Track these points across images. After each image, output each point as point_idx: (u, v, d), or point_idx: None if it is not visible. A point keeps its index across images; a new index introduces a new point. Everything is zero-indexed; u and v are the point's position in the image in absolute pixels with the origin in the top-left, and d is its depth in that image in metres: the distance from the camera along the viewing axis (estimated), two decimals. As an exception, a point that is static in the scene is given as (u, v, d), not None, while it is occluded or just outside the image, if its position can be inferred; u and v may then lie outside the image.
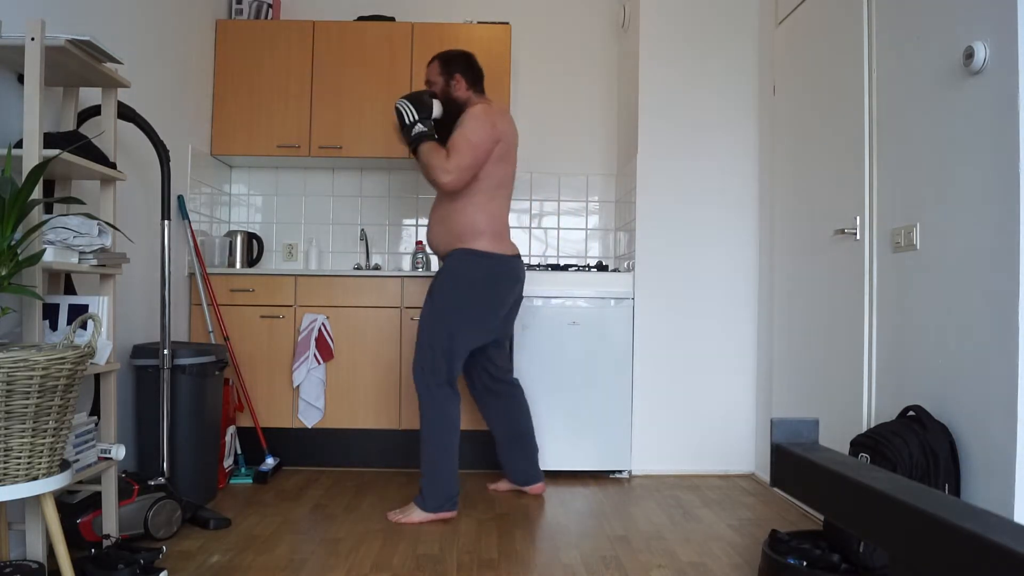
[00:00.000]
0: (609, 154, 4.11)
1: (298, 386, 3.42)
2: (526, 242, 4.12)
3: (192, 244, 3.36)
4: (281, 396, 3.46)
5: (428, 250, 3.96)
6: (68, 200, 1.79)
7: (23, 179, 1.66)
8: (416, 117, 2.80)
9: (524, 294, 3.37)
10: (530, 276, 3.40)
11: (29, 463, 1.58)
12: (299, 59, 3.75)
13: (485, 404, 3.08)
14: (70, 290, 2.31)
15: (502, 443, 3.08)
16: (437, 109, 2.84)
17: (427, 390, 2.73)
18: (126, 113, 2.48)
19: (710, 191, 3.52)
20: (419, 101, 2.82)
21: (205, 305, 3.38)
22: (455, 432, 2.76)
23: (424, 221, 4.13)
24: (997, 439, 1.84)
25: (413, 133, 2.79)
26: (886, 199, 2.39)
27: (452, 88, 2.88)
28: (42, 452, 1.60)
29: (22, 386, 1.53)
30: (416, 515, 2.69)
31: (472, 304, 2.77)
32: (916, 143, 2.22)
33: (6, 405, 1.51)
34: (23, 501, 1.89)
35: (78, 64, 2.01)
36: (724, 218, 3.52)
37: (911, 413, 2.07)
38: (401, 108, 2.82)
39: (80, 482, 2.13)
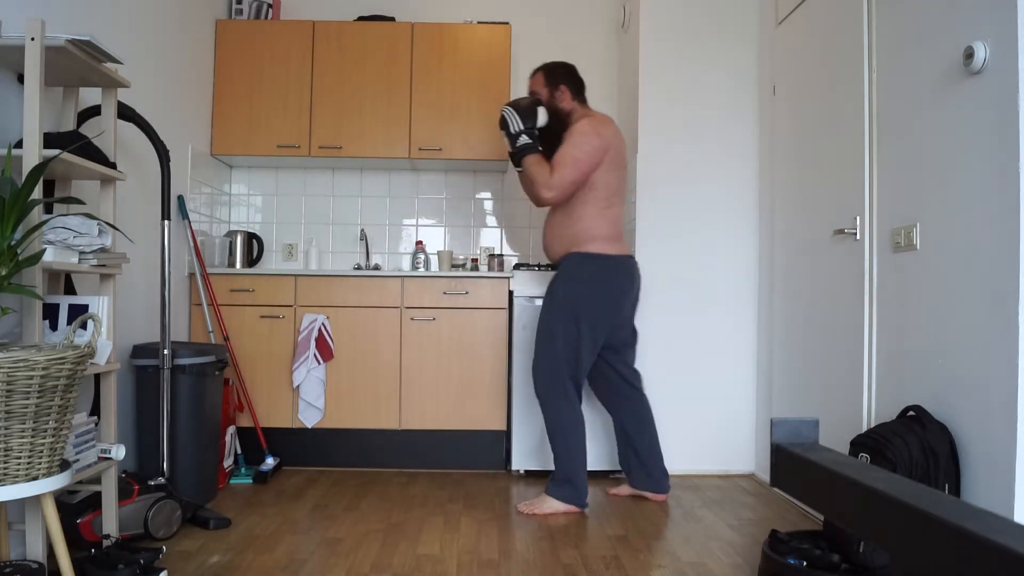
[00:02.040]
0: (609, 154, 4.10)
1: (298, 386, 3.42)
2: (526, 242, 4.12)
3: (192, 244, 3.36)
4: (281, 396, 3.46)
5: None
6: (68, 200, 1.79)
7: (23, 179, 1.66)
8: (521, 127, 2.87)
9: (524, 294, 3.38)
10: (530, 276, 3.40)
11: (29, 463, 1.58)
12: (299, 59, 3.75)
13: (615, 407, 3.09)
14: (70, 290, 2.31)
15: (626, 447, 3.06)
16: (543, 118, 2.91)
17: (542, 392, 2.85)
18: (126, 113, 2.48)
19: (710, 191, 3.51)
20: (525, 110, 2.89)
21: (205, 305, 3.38)
22: (581, 431, 2.86)
23: (424, 221, 4.13)
24: (997, 439, 1.84)
25: (518, 144, 2.87)
26: (886, 199, 2.39)
27: (557, 99, 2.97)
28: (42, 452, 1.60)
29: (22, 386, 1.53)
30: (548, 505, 2.81)
31: (590, 304, 2.83)
32: (916, 143, 2.22)
33: (6, 405, 1.51)
34: (23, 501, 1.89)
35: (78, 64, 2.01)
36: (724, 218, 3.52)
37: (911, 413, 2.07)
38: (506, 115, 2.90)
39: (80, 482, 2.13)
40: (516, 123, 2.87)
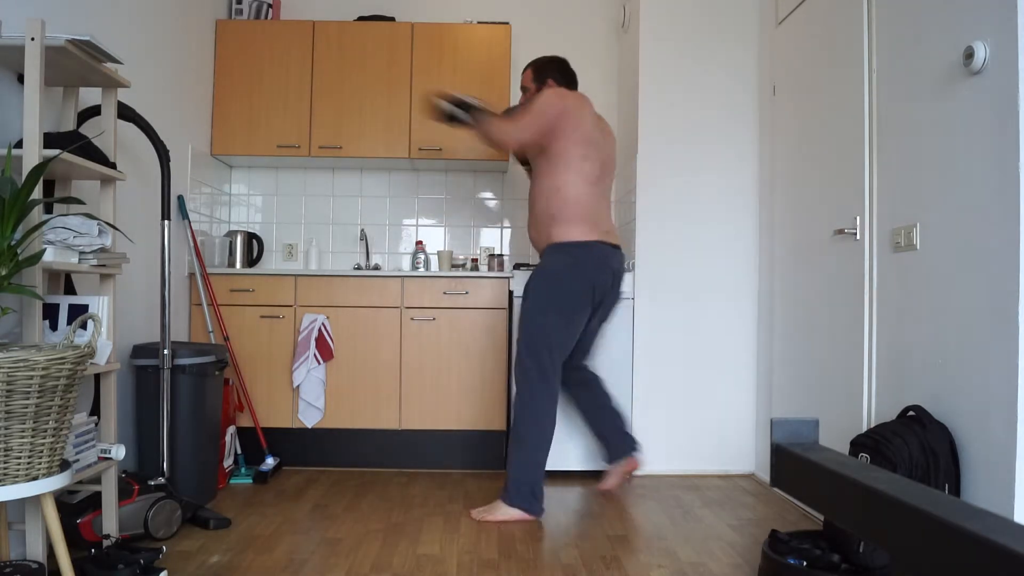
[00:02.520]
0: (609, 154, 4.11)
1: (298, 386, 3.42)
2: (527, 242, 4.12)
3: (192, 244, 3.36)
4: (281, 396, 3.46)
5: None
6: (68, 200, 1.79)
7: (23, 179, 1.66)
8: (464, 101, 2.81)
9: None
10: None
11: (29, 463, 1.58)
12: (299, 59, 3.75)
13: (581, 398, 3.10)
14: (70, 290, 2.31)
15: (601, 429, 3.05)
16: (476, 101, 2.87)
17: (525, 382, 2.77)
18: (126, 113, 2.48)
19: (710, 191, 3.51)
20: (454, 97, 2.84)
21: (205, 305, 3.38)
22: (548, 434, 2.78)
23: (424, 221, 4.13)
24: (997, 439, 1.84)
25: (471, 109, 2.78)
26: (886, 199, 2.39)
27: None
28: (42, 452, 1.60)
29: (22, 386, 1.53)
30: (500, 512, 2.71)
31: (567, 293, 2.77)
32: (916, 143, 2.22)
33: (6, 405, 1.51)
34: (23, 501, 1.89)
35: (78, 64, 2.01)
36: (724, 218, 3.52)
37: (911, 413, 2.07)
38: (445, 106, 2.83)
39: (80, 482, 2.13)
40: (458, 101, 2.80)
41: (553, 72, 3.00)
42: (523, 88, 3.03)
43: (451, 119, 2.86)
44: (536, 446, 2.75)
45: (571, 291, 2.78)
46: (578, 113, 2.84)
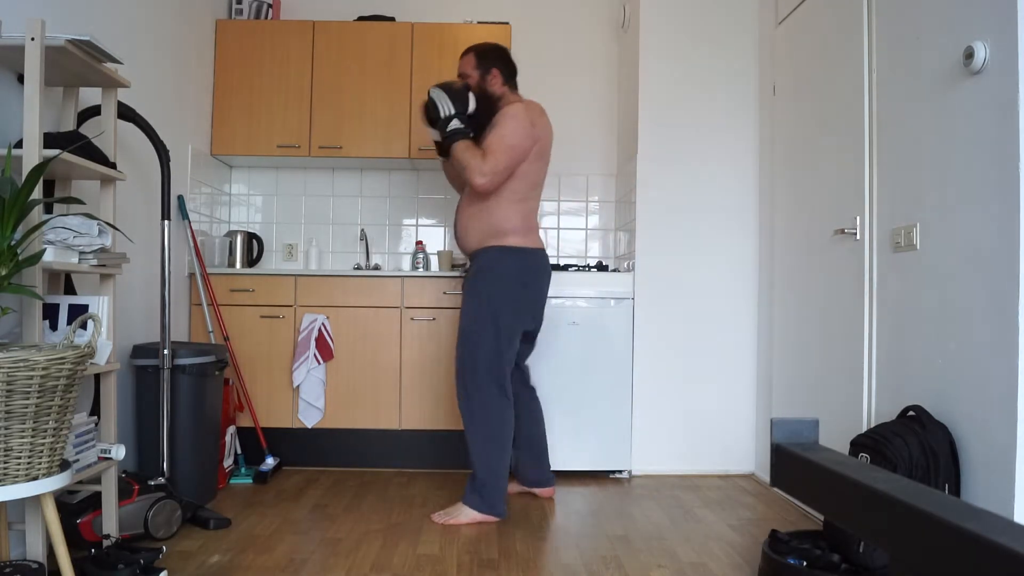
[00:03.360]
0: (609, 154, 4.11)
1: (298, 386, 3.42)
2: (526, 242, 4.12)
3: (192, 244, 3.36)
4: (281, 396, 3.46)
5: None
6: (68, 200, 1.79)
7: (23, 179, 1.66)
8: (452, 111, 2.71)
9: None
10: (530, 276, 3.39)
11: (29, 463, 1.58)
12: (299, 59, 3.75)
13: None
14: (70, 290, 2.31)
15: (518, 447, 3.02)
16: (473, 103, 2.75)
17: (471, 392, 2.71)
18: (126, 113, 2.48)
19: (710, 191, 3.51)
20: (456, 94, 2.73)
21: (205, 305, 3.38)
22: (508, 434, 2.74)
23: (424, 221, 4.13)
24: (997, 439, 1.84)
25: (448, 129, 2.71)
26: (886, 199, 2.39)
27: (488, 83, 2.82)
28: (42, 452, 1.60)
29: (22, 386, 1.53)
30: (464, 515, 2.68)
31: (512, 299, 2.75)
32: (916, 143, 2.22)
33: (6, 405, 1.51)
34: (23, 501, 1.89)
35: (78, 64, 2.01)
36: (724, 218, 3.52)
37: (911, 413, 2.07)
38: (436, 98, 2.73)
39: (80, 482, 2.13)
40: (447, 107, 2.70)
41: (497, 61, 2.83)
42: (462, 75, 2.84)
43: (432, 122, 2.77)
44: (500, 447, 2.73)
45: (519, 296, 2.77)
46: (547, 137, 2.81)
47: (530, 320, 2.85)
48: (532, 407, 3.04)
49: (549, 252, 4.11)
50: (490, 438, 2.71)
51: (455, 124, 2.70)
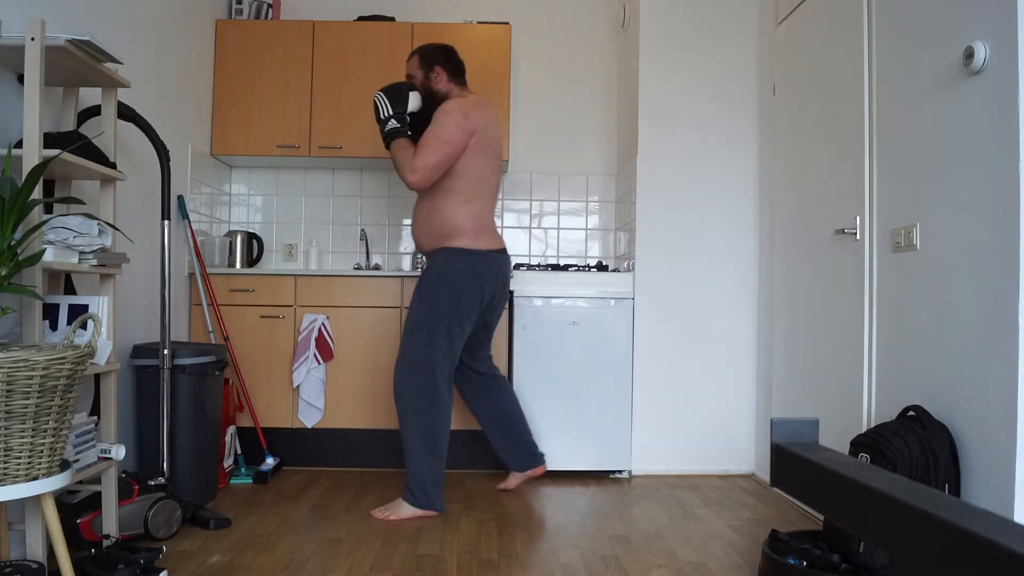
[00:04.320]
0: (609, 154, 4.11)
1: (298, 386, 3.42)
2: (526, 242, 4.12)
3: (192, 244, 3.36)
4: (281, 396, 3.46)
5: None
6: (68, 200, 1.79)
7: (23, 179, 1.66)
8: (391, 112, 2.76)
9: (525, 294, 3.37)
10: (530, 276, 3.39)
11: (29, 463, 1.58)
12: (299, 59, 3.75)
13: (472, 398, 3.10)
14: (70, 290, 2.31)
15: (495, 436, 3.08)
16: (415, 102, 2.79)
17: (403, 391, 2.76)
18: (126, 113, 2.48)
19: (710, 191, 3.52)
20: (395, 94, 2.78)
21: (205, 305, 3.38)
22: (443, 428, 2.78)
23: (424, 221, 4.12)
24: (997, 439, 1.84)
25: (386, 129, 2.77)
26: (886, 199, 2.39)
27: (432, 81, 2.86)
28: (42, 452, 1.60)
29: (22, 386, 1.53)
30: (404, 511, 2.72)
31: (458, 301, 2.77)
32: (916, 143, 2.22)
33: (6, 405, 1.51)
34: (23, 501, 1.89)
35: (78, 64, 2.01)
36: (724, 218, 3.52)
37: (911, 413, 2.07)
38: (377, 101, 2.79)
39: (80, 482, 2.13)
40: (385, 108, 2.77)
41: (440, 59, 2.87)
42: (409, 76, 2.90)
43: (378, 120, 2.81)
44: (432, 444, 2.77)
45: (467, 299, 2.79)
46: (485, 129, 2.81)
47: (477, 320, 2.88)
48: (497, 395, 3.07)
49: (549, 252, 4.11)
50: (426, 435, 2.75)
51: (392, 124, 2.76)
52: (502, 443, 3.09)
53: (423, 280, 2.82)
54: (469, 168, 2.78)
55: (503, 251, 2.92)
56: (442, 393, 2.77)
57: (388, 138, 2.77)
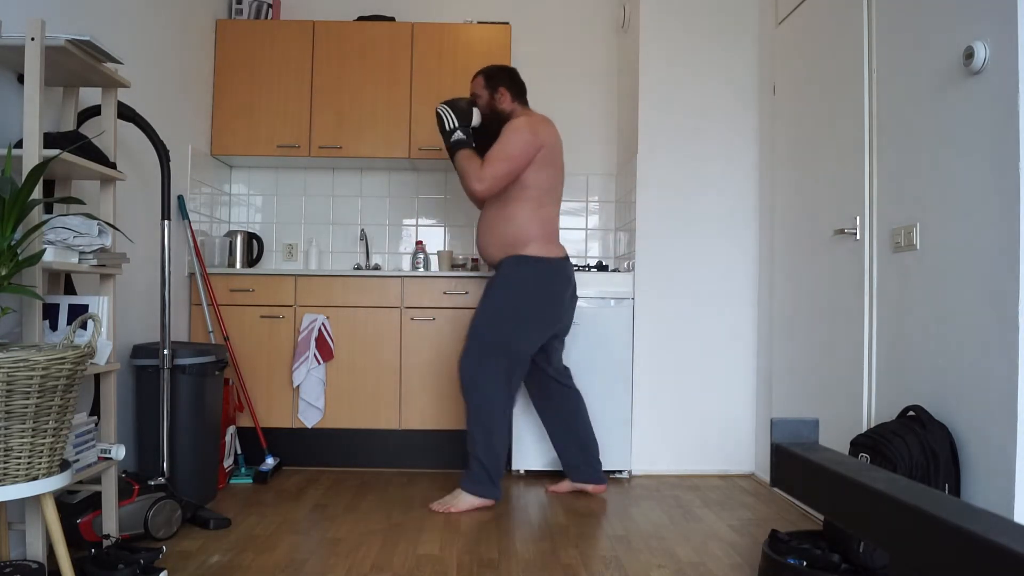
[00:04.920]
0: (609, 154, 4.11)
1: (298, 386, 3.42)
2: (526, 242, 4.11)
3: (192, 244, 3.36)
4: (281, 396, 3.46)
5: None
6: (68, 200, 1.79)
7: (23, 179, 1.66)
8: (456, 124, 2.95)
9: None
10: (530, 276, 3.39)
11: (29, 463, 1.58)
12: (299, 59, 3.75)
13: (544, 405, 3.13)
14: (70, 290, 2.31)
15: (561, 443, 3.12)
16: (476, 117, 2.98)
17: (479, 377, 2.83)
18: (126, 113, 2.48)
19: (710, 191, 3.51)
20: (459, 108, 2.97)
21: (205, 305, 3.38)
22: (504, 422, 2.86)
23: (424, 221, 4.13)
24: (997, 439, 1.84)
25: (452, 140, 2.94)
26: (886, 199, 2.39)
27: (497, 101, 3.01)
28: (42, 452, 1.60)
29: (22, 386, 1.53)
30: (464, 501, 2.79)
31: (528, 307, 2.87)
32: (916, 143, 2.22)
33: (6, 405, 1.51)
34: (23, 501, 1.89)
35: (78, 64, 2.01)
36: (724, 218, 3.52)
37: (911, 413, 2.07)
38: (442, 113, 2.97)
39: (80, 482, 2.13)
40: (451, 120, 2.95)
41: (505, 80, 3.02)
42: (474, 95, 3.04)
43: (443, 131, 2.98)
44: (499, 440, 2.85)
45: (537, 304, 2.89)
46: (552, 145, 2.94)
47: (550, 326, 2.95)
48: (575, 405, 3.11)
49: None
50: (491, 425, 2.83)
51: (458, 135, 2.94)
52: (569, 451, 3.11)
53: (492, 285, 2.91)
54: (538, 180, 2.91)
55: (567, 258, 3.01)
56: (494, 390, 2.83)
57: (455, 148, 2.94)
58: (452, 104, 2.99)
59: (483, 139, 2.99)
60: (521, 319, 2.86)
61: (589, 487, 3.11)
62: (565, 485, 3.14)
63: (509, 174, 2.85)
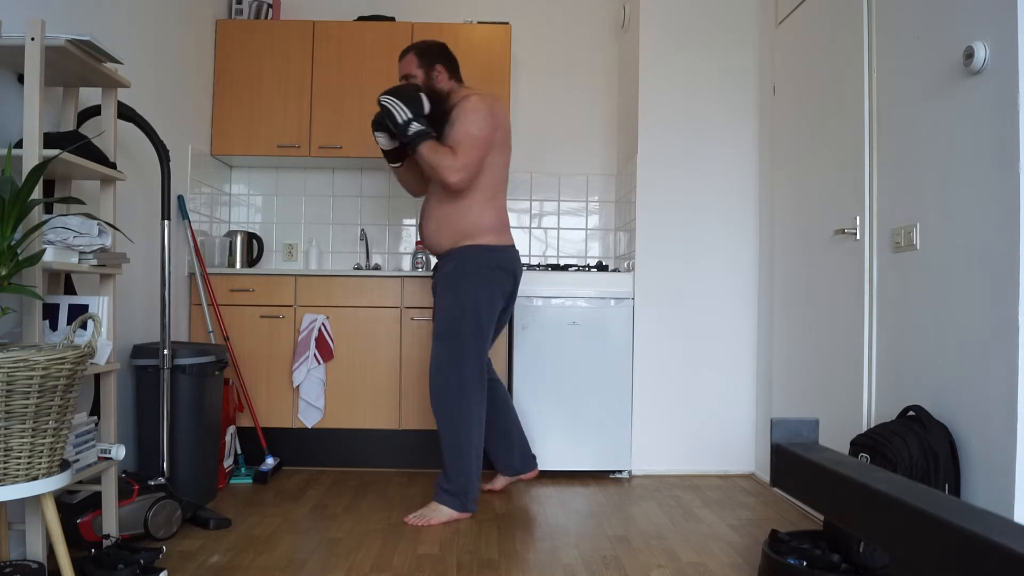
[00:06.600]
0: (609, 154, 4.11)
1: (298, 386, 3.42)
2: (526, 242, 4.12)
3: (192, 244, 3.36)
4: (281, 396, 3.46)
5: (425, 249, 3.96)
6: (68, 200, 1.79)
7: (23, 179, 1.66)
8: (409, 115, 2.64)
9: (525, 294, 3.38)
10: (530, 276, 3.40)
11: (29, 463, 1.58)
12: (299, 59, 3.75)
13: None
14: (70, 290, 2.31)
15: (490, 440, 3.06)
16: (427, 104, 2.69)
17: (446, 388, 2.70)
18: (126, 113, 2.48)
19: (710, 191, 3.52)
20: (408, 97, 2.67)
21: (205, 305, 3.38)
22: (478, 429, 2.75)
23: (424, 221, 4.12)
24: (997, 439, 1.84)
25: (411, 132, 2.63)
26: (886, 199, 2.39)
27: (434, 80, 2.79)
28: (42, 452, 1.60)
29: (22, 386, 1.53)
30: (442, 514, 2.68)
31: (487, 298, 2.74)
32: (916, 143, 2.22)
33: (6, 405, 1.51)
34: (23, 501, 1.89)
35: (78, 64, 2.01)
36: (724, 218, 3.52)
37: (911, 413, 2.07)
38: (388, 105, 2.65)
39: (80, 482, 2.13)
40: (402, 112, 2.63)
41: (440, 56, 2.81)
42: (405, 75, 2.79)
43: (386, 130, 2.74)
44: (476, 446, 2.77)
45: (494, 295, 2.77)
46: (507, 126, 2.81)
47: (503, 317, 2.90)
48: (502, 398, 3.08)
49: (549, 252, 4.11)
50: (467, 437, 2.72)
51: (416, 127, 2.64)
52: (500, 446, 3.08)
53: (452, 278, 2.74)
54: (493, 164, 2.76)
55: (517, 249, 2.91)
56: (476, 393, 2.73)
57: (416, 140, 2.64)
58: (397, 92, 2.67)
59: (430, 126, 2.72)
60: (479, 313, 2.71)
61: (524, 476, 3.14)
62: (500, 481, 3.13)
63: (481, 159, 2.68)
